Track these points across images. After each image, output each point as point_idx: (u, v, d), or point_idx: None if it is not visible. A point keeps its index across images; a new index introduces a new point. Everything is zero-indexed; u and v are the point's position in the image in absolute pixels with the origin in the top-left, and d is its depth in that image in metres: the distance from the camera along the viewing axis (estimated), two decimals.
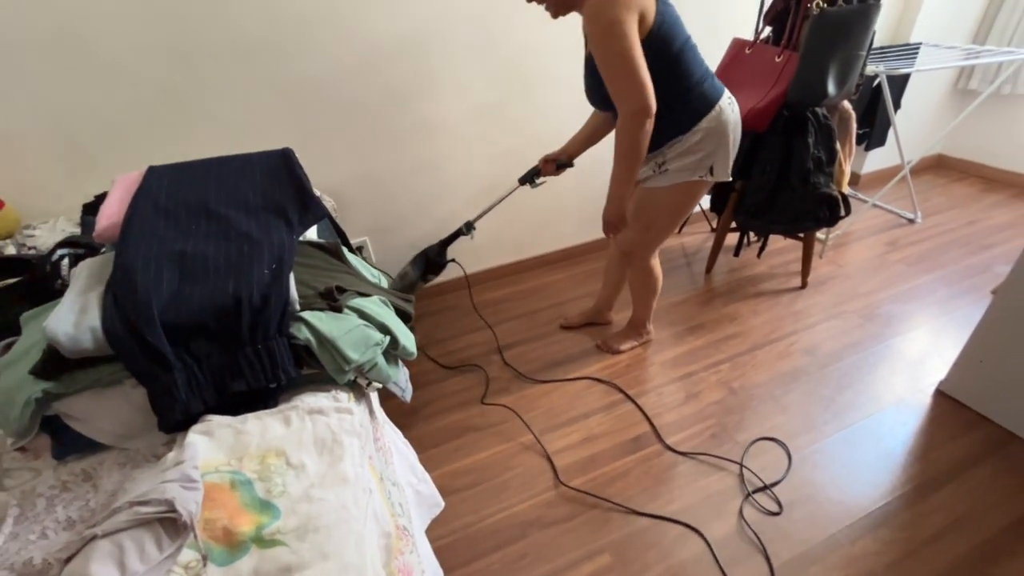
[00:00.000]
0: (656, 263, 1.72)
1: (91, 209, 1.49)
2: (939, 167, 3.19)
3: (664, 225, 1.58)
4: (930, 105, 2.89)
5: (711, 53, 2.07)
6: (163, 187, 0.92)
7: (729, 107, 1.41)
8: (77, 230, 1.44)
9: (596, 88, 1.35)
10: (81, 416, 0.72)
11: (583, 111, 2.14)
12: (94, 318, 0.70)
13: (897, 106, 2.63)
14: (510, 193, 1.77)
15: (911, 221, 2.58)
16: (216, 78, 1.57)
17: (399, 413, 1.71)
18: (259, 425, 0.70)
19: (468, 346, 2.01)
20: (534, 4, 1.30)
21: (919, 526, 1.27)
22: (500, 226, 2.28)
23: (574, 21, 1.99)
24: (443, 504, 1.35)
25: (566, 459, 1.51)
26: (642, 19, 1.16)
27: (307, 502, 0.60)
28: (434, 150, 1.98)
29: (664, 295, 2.20)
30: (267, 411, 0.73)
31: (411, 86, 1.82)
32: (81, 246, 1.21)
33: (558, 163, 1.69)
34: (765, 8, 1.88)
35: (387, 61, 1.74)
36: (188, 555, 0.55)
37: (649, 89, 1.18)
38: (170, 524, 0.54)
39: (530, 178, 1.73)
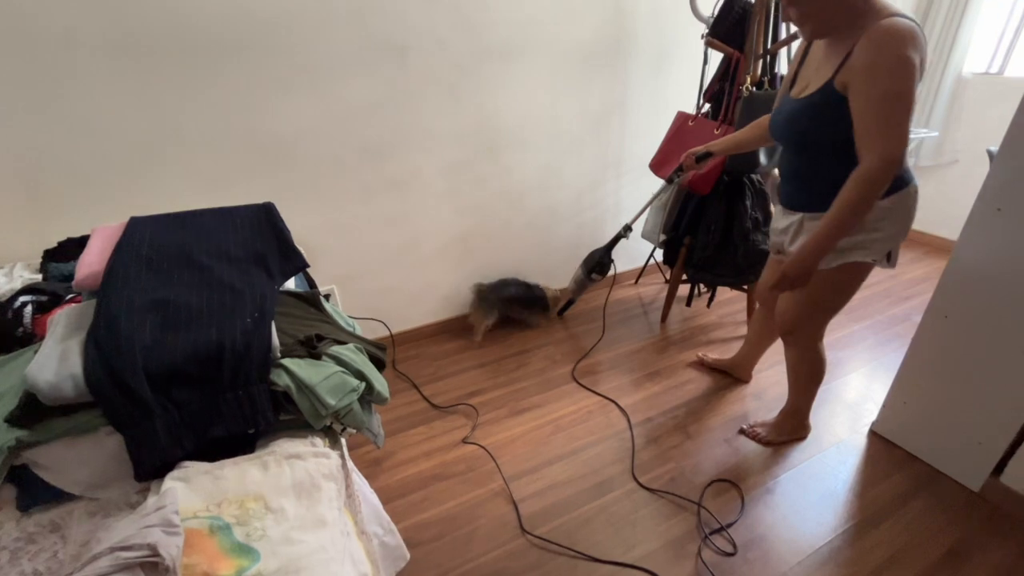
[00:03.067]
0: (823, 347, 1.55)
1: (53, 255, 1.47)
2: None
3: (832, 306, 1.44)
4: None
5: (659, 122, 2.32)
6: (146, 237, 0.95)
7: (917, 194, 1.28)
8: (37, 276, 1.42)
9: (797, 125, 1.26)
10: (52, 465, 0.71)
11: (550, 167, 2.32)
12: (75, 365, 0.71)
13: None
14: (660, 192, 1.96)
15: None
16: (191, 132, 1.62)
17: (363, 463, 1.69)
18: (237, 471, 0.71)
19: (433, 395, 2.02)
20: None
21: (862, 562, 1.36)
22: (464, 276, 2.36)
23: (534, 85, 2.16)
24: (408, 557, 1.34)
25: (532, 507, 1.53)
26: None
27: (287, 544, 0.62)
28: (404, 203, 2.08)
29: (623, 343, 2.31)
30: (244, 457, 0.75)
31: (383, 144, 1.92)
32: (45, 293, 1.21)
33: (697, 156, 1.71)
34: (705, 87, 2.13)
35: (360, 120, 1.85)
36: None
37: (906, 143, 1.09)
38: (151, 569, 0.54)
39: (676, 175, 1.83)
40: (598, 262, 1.96)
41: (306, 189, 1.87)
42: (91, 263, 0.90)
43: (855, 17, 1.08)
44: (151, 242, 0.94)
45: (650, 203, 2.02)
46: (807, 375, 1.60)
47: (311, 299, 1.05)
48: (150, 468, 0.71)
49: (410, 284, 2.26)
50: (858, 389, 1.98)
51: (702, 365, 2.10)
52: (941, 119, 2.94)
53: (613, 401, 1.95)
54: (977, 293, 1.39)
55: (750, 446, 1.73)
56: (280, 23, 1.60)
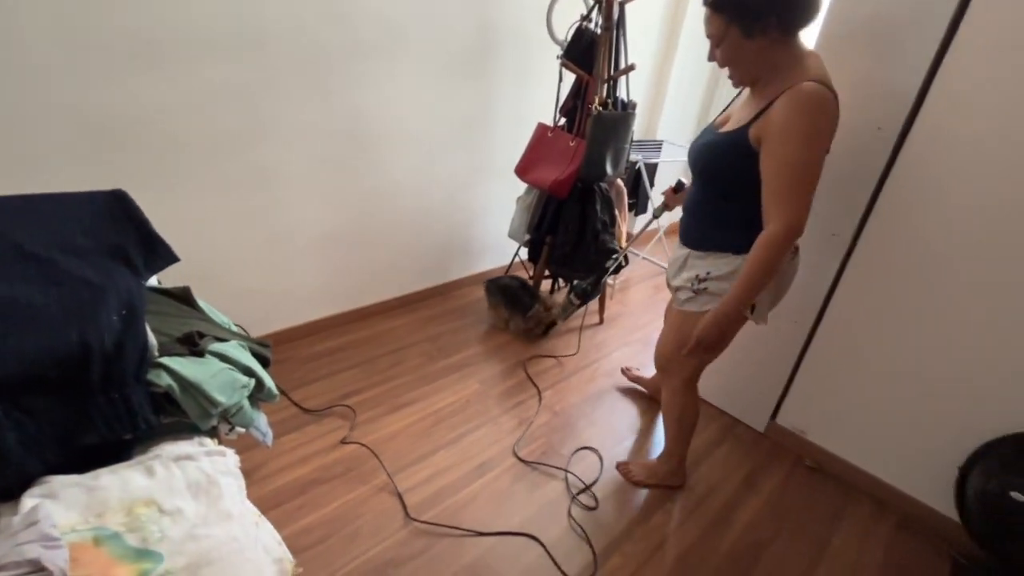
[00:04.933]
0: (695, 393, 1.57)
1: None
2: None
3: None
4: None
5: (521, 132, 2.53)
6: None
7: (795, 258, 1.34)
8: None
9: (706, 158, 1.27)
10: None
11: (422, 168, 2.36)
12: None
13: (652, 184, 3.49)
14: (647, 225, 2.04)
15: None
16: None
17: None
18: (117, 479, 0.65)
19: (304, 399, 1.94)
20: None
21: (690, 496, 1.69)
22: (333, 275, 2.29)
23: (406, 87, 2.20)
24: (294, 562, 1.29)
25: (417, 495, 1.58)
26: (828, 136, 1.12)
27: (193, 541, 0.60)
28: (267, 197, 1.94)
29: (493, 336, 2.46)
30: (122, 464, 0.68)
31: (242, 132, 1.78)
32: None
33: (674, 188, 1.71)
34: (561, 103, 2.38)
35: (216, 106, 1.69)
36: None
37: (808, 211, 1.10)
38: None
39: (660, 210, 1.79)
40: (583, 289, 2.03)
41: (148, 177, 1.64)
42: None
43: (778, 71, 1.11)
44: None
45: (638, 236, 2.06)
46: (678, 418, 1.58)
47: (183, 296, 0.97)
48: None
49: (273, 284, 2.11)
50: None
51: (627, 375, 2.20)
52: None
53: (536, 386, 2.08)
54: None
55: (607, 418, 2.00)
56: None
